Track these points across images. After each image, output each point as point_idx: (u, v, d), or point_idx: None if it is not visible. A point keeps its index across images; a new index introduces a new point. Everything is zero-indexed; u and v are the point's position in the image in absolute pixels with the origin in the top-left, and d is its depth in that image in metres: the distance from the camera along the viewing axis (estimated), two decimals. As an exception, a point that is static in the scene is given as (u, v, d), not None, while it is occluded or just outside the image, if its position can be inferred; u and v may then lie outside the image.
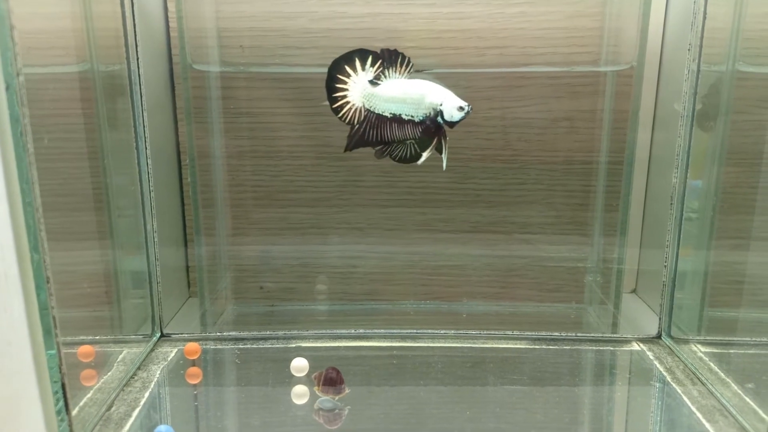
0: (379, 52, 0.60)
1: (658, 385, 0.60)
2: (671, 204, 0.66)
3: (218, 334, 0.69)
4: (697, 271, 0.67)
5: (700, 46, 0.62)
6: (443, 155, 0.62)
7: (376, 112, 0.61)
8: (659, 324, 0.69)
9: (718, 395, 0.56)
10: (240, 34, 0.71)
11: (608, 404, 0.58)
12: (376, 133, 0.61)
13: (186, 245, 0.79)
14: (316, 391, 0.57)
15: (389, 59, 0.60)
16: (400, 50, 0.60)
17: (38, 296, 0.44)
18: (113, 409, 0.54)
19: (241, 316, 0.77)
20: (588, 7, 0.70)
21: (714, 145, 0.64)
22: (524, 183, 0.74)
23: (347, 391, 0.57)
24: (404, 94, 0.60)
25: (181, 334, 0.69)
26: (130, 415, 0.53)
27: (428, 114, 0.60)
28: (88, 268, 0.65)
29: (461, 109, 0.60)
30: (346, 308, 0.78)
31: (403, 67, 0.60)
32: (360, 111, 0.61)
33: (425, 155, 0.62)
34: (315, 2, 0.70)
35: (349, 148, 0.62)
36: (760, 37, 0.62)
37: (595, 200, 0.74)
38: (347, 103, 0.61)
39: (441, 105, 0.60)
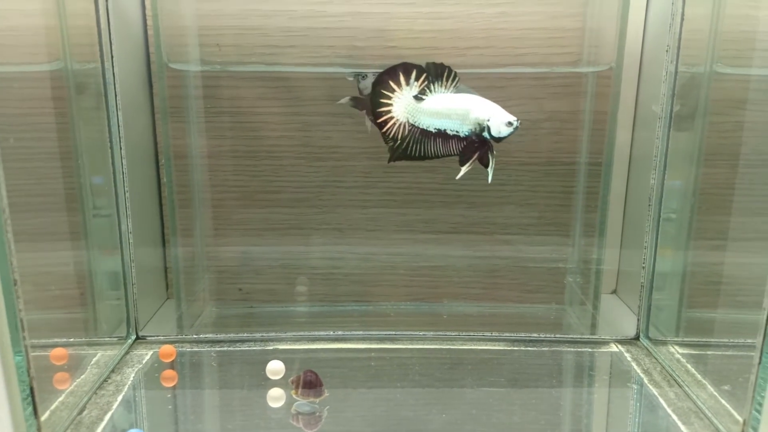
0: (424, 65, 0.59)
1: (635, 387, 0.60)
2: (649, 205, 0.66)
3: (195, 336, 0.69)
4: (676, 272, 0.67)
5: (678, 48, 0.62)
6: (489, 169, 0.61)
7: (421, 127, 0.60)
8: (637, 325, 0.69)
9: (695, 397, 0.56)
10: (218, 33, 0.70)
11: (585, 407, 0.58)
12: (419, 148, 0.61)
13: (164, 246, 0.78)
14: (294, 396, 0.56)
15: (434, 73, 0.59)
16: (446, 64, 0.59)
17: (5, 298, 0.43)
18: (85, 413, 0.54)
19: (220, 318, 0.76)
20: (569, 8, 0.70)
21: (692, 146, 0.64)
22: (505, 184, 0.74)
23: (326, 394, 0.56)
24: (450, 109, 0.59)
25: (157, 336, 0.68)
26: (101, 419, 0.53)
27: (474, 129, 0.59)
28: (63, 270, 0.64)
29: (510, 124, 0.59)
30: (326, 310, 0.77)
31: (449, 81, 0.59)
32: (404, 126, 0.60)
33: (464, 170, 0.61)
34: (294, 1, 0.69)
35: (392, 160, 0.62)
36: (738, 38, 0.62)
37: (575, 201, 0.74)
38: (391, 118, 0.60)
39: (488, 120, 0.59)
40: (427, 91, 0.59)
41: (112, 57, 0.62)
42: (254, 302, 0.78)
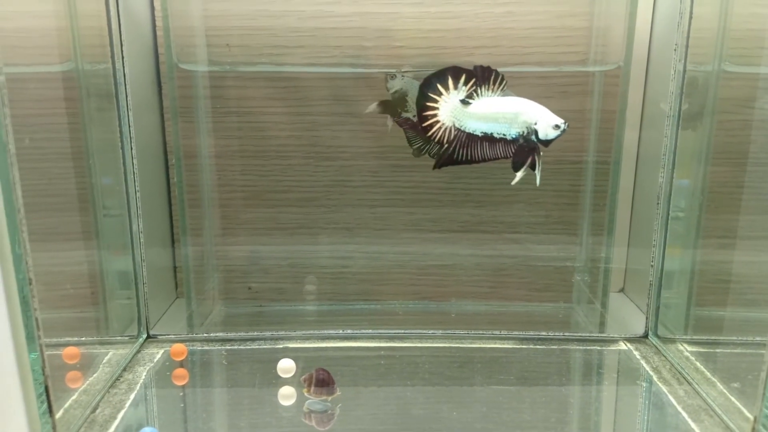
0: (472, 69, 0.59)
1: (644, 384, 0.60)
2: (658, 203, 0.66)
3: (205, 335, 0.69)
4: (684, 270, 0.67)
5: (686, 46, 0.62)
6: (537, 172, 0.61)
7: (467, 131, 0.60)
8: (646, 323, 0.69)
9: (704, 395, 0.56)
10: (227, 33, 0.70)
11: (594, 404, 0.58)
12: (466, 152, 0.61)
13: (174, 246, 0.78)
14: (306, 394, 0.56)
15: (482, 77, 0.59)
16: (493, 67, 0.59)
17: (21, 298, 0.44)
18: (98, 411, 0.54)
19: (230, 316, 0.77)
20: (576, 7, 0.70)
21: (700, 145, 0.64)
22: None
23: (338, 392, 0.56)
24: (497, 113, 0.59)
25: (168, 335, 0.69)
26: (115, 417, 0.53)
27: (522, 133, 0.59)
28: (74, 269, 0.64)
29: (557, 127, 0.59)
30: (335, 308, 0.78)
31: (496, 85, 0.59)
32: (450, 130, 0.60)
33: (519, 175, 0.61)
34: (302, 1, 0.69)
35: (437, 166, 0.62)
36: (746, 37, 0.62)
37: (583, 200, 0.74)
38: (437, 122, 0.60)
39: (536, 123, 0.59)
40: (474, 95, 0.59)
41: (123, 58, 0.63)
42: (263, 301, 0.78)
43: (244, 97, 0.72)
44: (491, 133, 0.60)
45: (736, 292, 0.64)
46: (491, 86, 0.59)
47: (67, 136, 0.61)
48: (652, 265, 0.68)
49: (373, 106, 0.66)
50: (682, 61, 0.62)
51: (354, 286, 0.78)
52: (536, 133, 0.59)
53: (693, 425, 0.52)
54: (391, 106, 0.65)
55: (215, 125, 0.73)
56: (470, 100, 0.59)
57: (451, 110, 0.59)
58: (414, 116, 0.65)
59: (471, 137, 0.60)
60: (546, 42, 0.71)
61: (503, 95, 0.60)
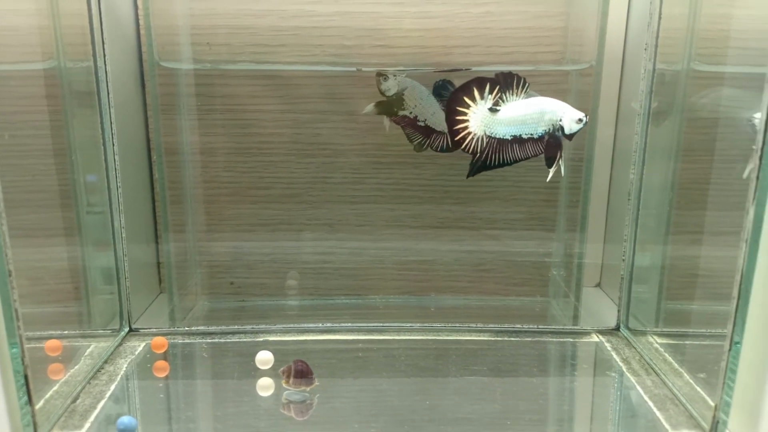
0: (494, 77, 0.61)
1: (614, 375, 0.62)
2: (629, 199, 0.68)
3: (186, 328, 0.70)
4: (655, 265, 0.68)
5: (656, 46, 0.63)
6: (562, 165, 0.63)
7: (497, 137, 0.61)
8: (618, 316, 0.70)
9: (671, 385, 0.58)
10: (210, 32, 0.71)
11: (564, 394, 0.59)
12: (498, 157, 0.62)
13: (157, 242, 0.79)
14: (285, 385, 0.57)
15: (505, 83, 0.61)
16: (514, 72, 0.61)
17: (0, 290, 0.45)
18: (78, 401, 0.55)
19: (212, 311, 0.78)
20: (553, 8, 0.72)
21: (670, 142, 0.65)
22: (491, 179, 0.76)
23: (317, 383, 0.58)
24: (525, 115, 0.61)
25: (150, 328, 0.70)
26: (95, 407, 0.54)
27: (548, 129, 0.61)
28: (57, 265, 0.65)
29: (580, 120, 0.61)
30: (317, 303, 0.79)
31: (520, 88, 0.61)
32: (482, 139, 0.62)
33: (553, 171, 0.63)
34: (285, 0, 0.71)
35: (471, 174, 0.63)
36: (715, 37, 0.63)
37: (559, 196, 0.76)
38: (469, 133, 0.62)
39: (561, 120, 0.61)
40: (500, 101, 0.61)
41: (104, 56, 0.63)
42: (245, 296, 0.79)
43: (227, 95, 0.73)
44: (520, 135, 0.62)
45: (705, 286, 0.66)
46: (515, 90, 0.61)
47: (49, 133, 0.62)
48: (623, 260, 0.69)
49: (370, 107, 0.67)
50: (652, 61, 0.64)
51: (335, 281, 0.79)
52: (562, 128, 0.61)
53: (658, 414, 0.54)
54: (388, 106, 0.67)
55: (198, 122, 0.74)
56: (497, 108, 0.61)
57: (481, 119, 0.61)
58: (410, 113, 0.67)
59: (501, 142, 0.62)
60: (524, 42, 0.72)
61: (527, 96, 0.62)
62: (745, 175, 0.58)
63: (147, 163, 0.77)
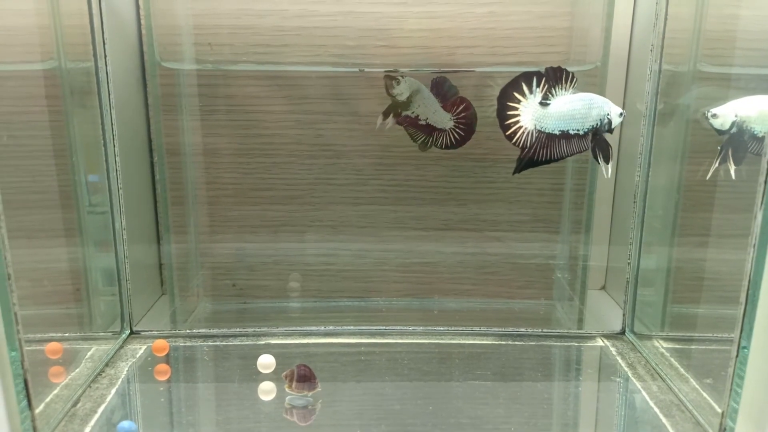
0: (543, 71, 0.60)
1: (619, 380, 0.61)
2: (634, 202, 0.67)
3: (188, 331, 0.70)
4: (661, 268, 0.68)
5: (662, 47, 0.63)
6: (600, 161, 0.63)
7: (547, 131, 0.61)
8: (623, 320, 0.70)
9: (677, 390, 0.57)
10: (212, 32, 0.71)
11: (569, 399, 0.59)
12: (546, 152, 0.62)
13: (158, 243, 0.79)
14: (288, 390, 0.57)
15: (553, 77, 0.60)
16: (563, 66, 0.61)
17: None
18: (79, 405, 0.55)
19: (214, 313, 0.78)
20: (557, 8, 0.71)
21: (676, 144, 0.65)
22: (494, 181, 0.75)
23: (319, 387, 0.57)
24: (573, 110, 0.60)
25: (151, 331, 0.69)
26: (95, 412, 0.54)
27: (595, 125, 0.61)
28: (58, 266, 0.65)
29: (621, 115, 0.61)
30: (319, 305, 0.78)
31: (568, 83, 0.60)
32: (532, 133, 0.61)
33: (610, 166, 0.63)
34: (287, 0, 0.70)
35: (518, 170, 0.63)
36: (721, 37, 0.63)
37: (563, 198, 0.75)
38: (520, 128, 0.61)
39: (608, 114, 0.61)
40: (550, 95, 0.60)
41: (105, 56, 0.63)
42: (248, 298, 0.79)
43: (229, 95, 0.73)
44: (567, 130, 0.61)
45: (711, 290, 0.65)
46: (564, 84, 0.60)
47: (50, 134, 0.61)
48: (629, 263, 0.68)
49: (389, 121, 0.67)
50: (658, 62, 0.63)
51: (338, 283, 0.79)
52: (610, 123, 0.61)
53: (664, 420, 0.53)
54: (397, 109, 0.66)
55: (200, 123, 0.73)
56: (547, 102, 0.60)
57: (532, 114, 0.61)
58: (412, 113, 0.66)
59: (550, 137, 0.61)
60: (528, 42, 0.71)
61: (574, 92, 0.61)
62: (708, 177, 0.59)
63: (148, 164, 0.76)
